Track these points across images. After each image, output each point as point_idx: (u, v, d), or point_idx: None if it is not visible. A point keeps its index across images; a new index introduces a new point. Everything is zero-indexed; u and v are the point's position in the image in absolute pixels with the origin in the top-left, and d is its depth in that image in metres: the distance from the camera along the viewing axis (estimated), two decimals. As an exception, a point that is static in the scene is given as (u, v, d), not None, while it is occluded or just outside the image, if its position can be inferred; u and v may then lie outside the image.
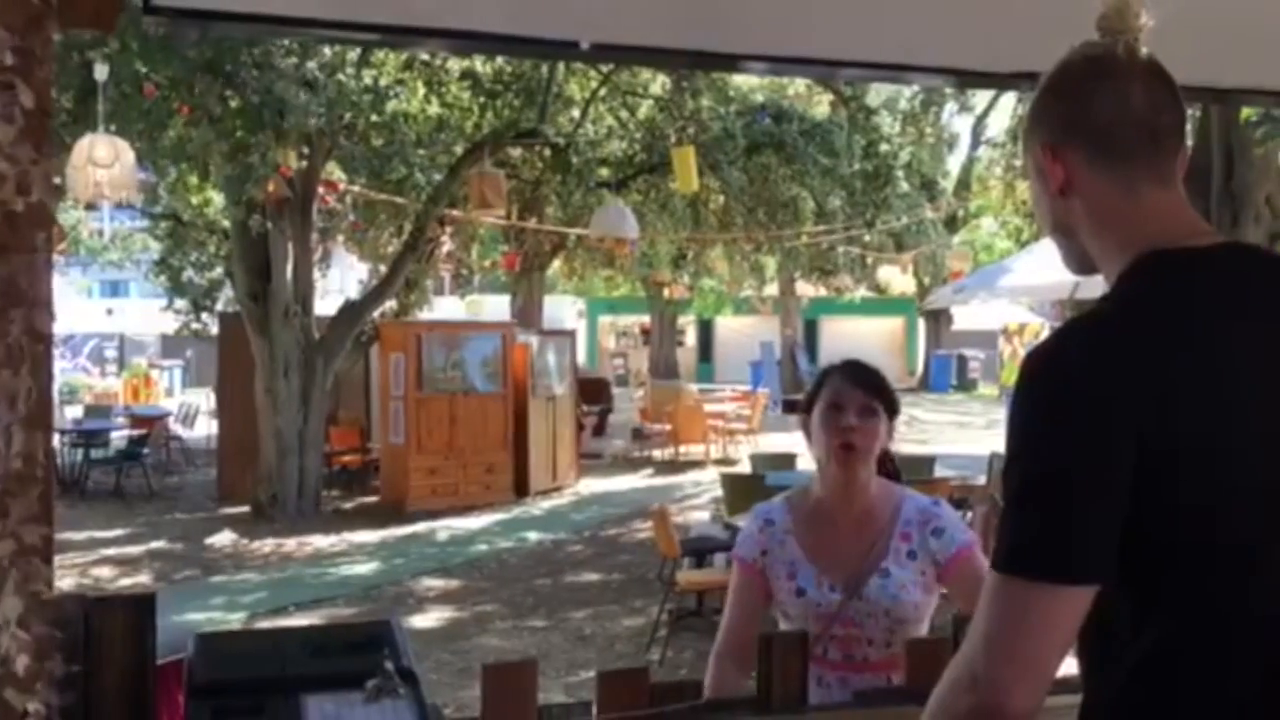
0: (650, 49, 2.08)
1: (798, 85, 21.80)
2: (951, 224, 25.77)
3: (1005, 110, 23.60)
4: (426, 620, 8.47)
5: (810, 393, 2.53)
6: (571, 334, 17.84)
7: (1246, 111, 6.81)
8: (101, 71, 8.39)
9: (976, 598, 2.42)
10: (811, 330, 38.01)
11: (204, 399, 19.77)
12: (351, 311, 14.08)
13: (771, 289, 34.21)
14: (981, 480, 10.20)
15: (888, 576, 2.40)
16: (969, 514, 8.22)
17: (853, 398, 2.43)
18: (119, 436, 15.96)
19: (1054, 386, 1.27)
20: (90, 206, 17.24)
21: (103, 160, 7.61)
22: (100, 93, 8.47)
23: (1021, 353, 30.95)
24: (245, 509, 13.09)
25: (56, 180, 8.20)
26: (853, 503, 2.45)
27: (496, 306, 28.29)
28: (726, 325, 40.00)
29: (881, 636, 2.38)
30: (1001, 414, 18.87)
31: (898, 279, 19.52)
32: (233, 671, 1.56)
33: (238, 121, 10.97)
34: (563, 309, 35.58)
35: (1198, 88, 2.71)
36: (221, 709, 1.46)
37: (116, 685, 1.53)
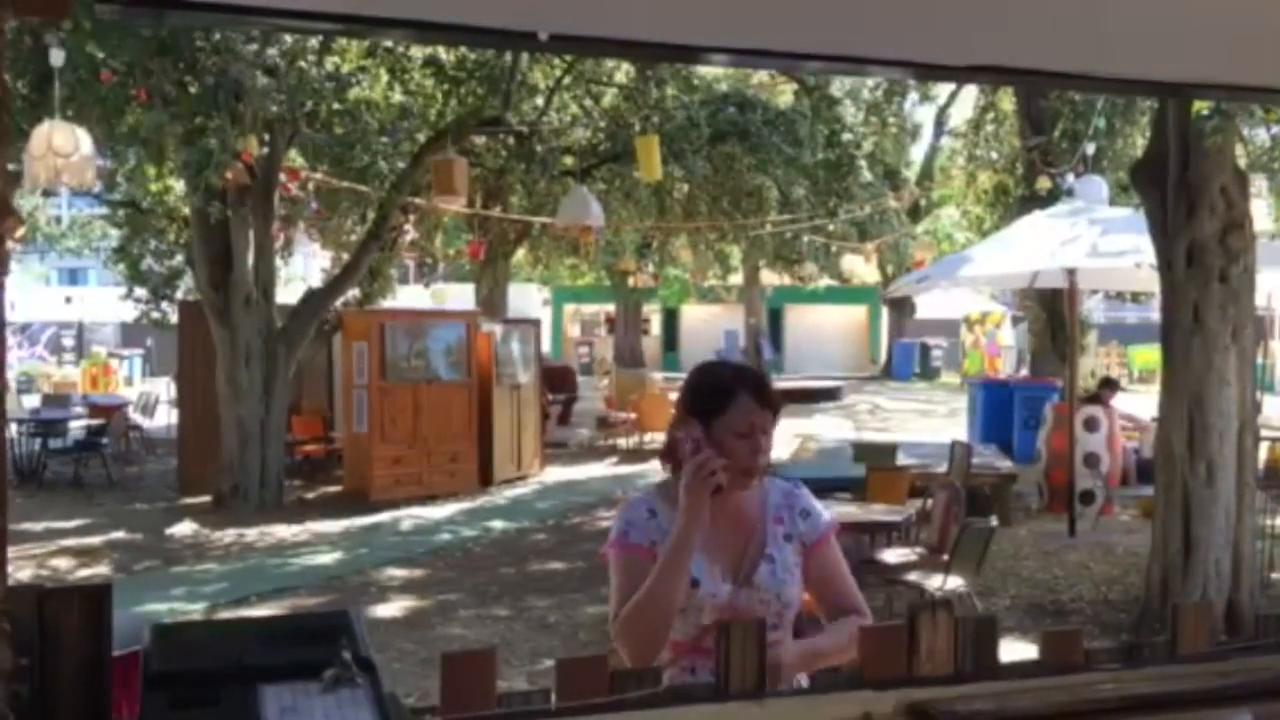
0: (610, 40, 2.08)
1: (761, 75, 21.81)
2: (914, 213, 25.91)
3: (967, 101, 23.75)
4: (390, 610, 8.45)
5: (711, 402, 2.42)
6: (536, 323, 17.80)
7: (1198, 105, 6.89)
8: (57, 57, 8.29)
9: (829, 577, 2.53)
10: (776, 319, 38.15)
11: (164, 388, 19.58)
12: (314, 300, 13.99)
13: (736, 278, 34.30)
14: (943, 468, 10.30)
15: (773, 562, 2.46)
16: (929, 501, 8.31)
17: (763, 419, 2.43)
18: (78, 426, 15.78)
19: None
20: (48, 193, 17.04)
21: (62, 148, 7.52)
22: (56, 78, 8.37)
23: (984, 342, 31.28)
24: (206, 499, 13.00)
25: (13, 167, 8.09)
26: (729, 498, 2.44)
27: (461, 295, 28.21)
28: (692, 314, 40.06)
29: (770, 621, 2.41)
30: (963, 403, 19.03)
31: (861, 268, 19.65)
32: (189, 662, 1.55)
33: (193, 105, 10.86)
34: (528, 297, 35.52)
35: (1154, 82, 2.74)
36: (177, 699, 1.46)
37: (71, 677, 1.52)
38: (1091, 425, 11.30)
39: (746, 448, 2.41)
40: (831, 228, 20.13)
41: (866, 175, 20.81)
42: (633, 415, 18.30)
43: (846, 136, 19.91)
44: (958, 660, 2.00)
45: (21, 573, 9.05)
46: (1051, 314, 15.79)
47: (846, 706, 1.94)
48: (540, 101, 16.96)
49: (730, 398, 2.42)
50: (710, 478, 2.33)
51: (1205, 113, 6.87)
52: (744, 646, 1.96)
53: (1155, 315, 12.37)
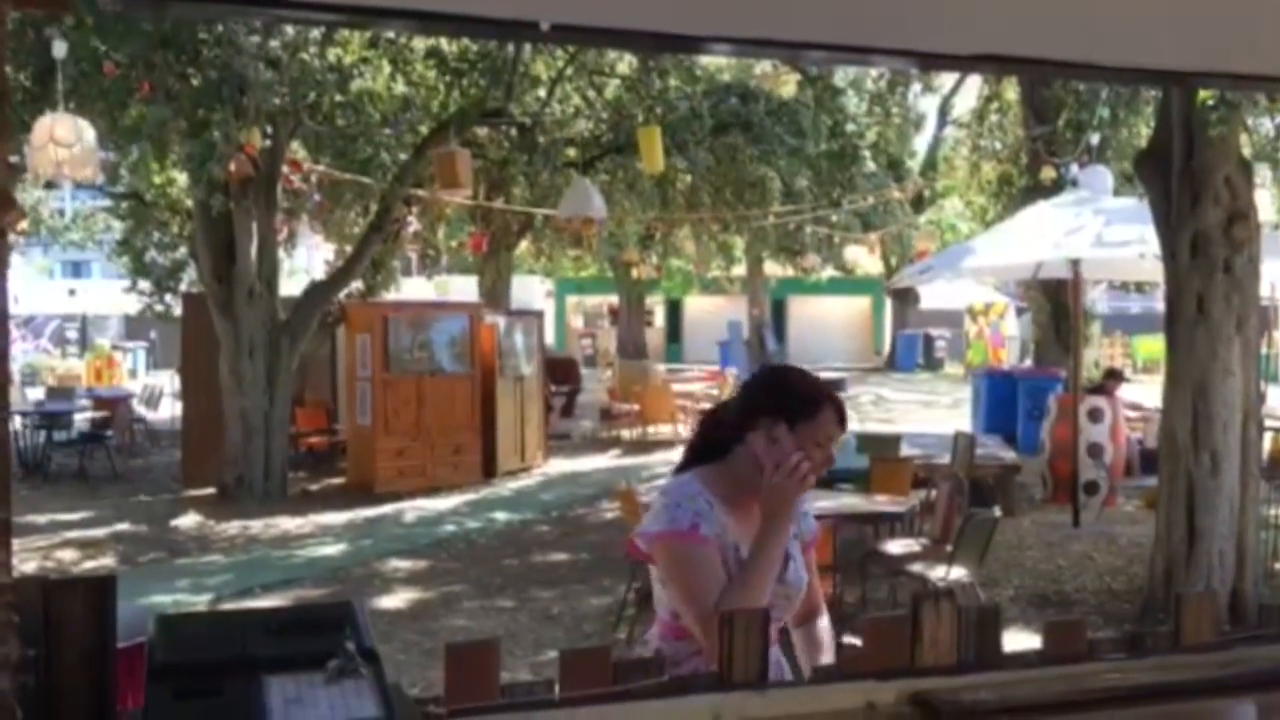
0: (612, 30, 2.07)
1: (764, 65, 21.78)
2: (918, 204, 25.86)
3: (971, 91, 23.68)
4: (394, 601, 8.46)
5: (804, 408, 2.45)
6: (539, 314, 17.82)
7: (1203, 95, 6.87)
8: (60, 49, 8.28)
9: (810, 577, 2.63)
10: (779, 310, 38.15)
11: (168, 380, 19.60)
12: (317, 292, 14.00)
13: (739, 269, 34.28)
14: (946, 459, 10.29)
15: (796, 560, 2.53)
16: (932, 492, 8.30)
17: (837, 434, 2.50)
18: (82, 419, 15.81)
19: None
20: (50, 186, 17.03)
21: (64, 139, 7.53)
22: (59, 71, 8.36)
23: (988, 332, 31.22)
24: (211, 491, 13.02)
25: (15, 159, 8.11)
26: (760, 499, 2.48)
27: (464, 287, 28.18)
28: (695, 305, 40.05)
29: (783, 616, 2.49)
30: (967, 393, 19.01)
31: (864, 259, 19.64)
32: (193, 653, 1.55)
33: (196, 98, 10.87)
34: (531, 289, 35.50)
35: (1157, 71, 2.73)
36: (181, 690, 1.46)
37: (76, 668, 1.52)
38: (1095, 416, 11.29)
39: (821, 457, 2.46)
40: (835, 218, 20.10)
41: (870, 166, 20.79)
42: (636, 407, 18.31)
43: (850, 127, 19.90)
44: (961, 650, 2.01)
45: (27, 565, 9.07)
46: (1055, 305, 15.78)
47: (849, 696, 1.94)
48: (542, 93, 16.94)
49: (820, 407, 2.47)
50: (805, 479, 2.40)
51: (1210, 103, 6.85)
52: (747, 636, 1.96)
53: (1159, 305, 12.36)
